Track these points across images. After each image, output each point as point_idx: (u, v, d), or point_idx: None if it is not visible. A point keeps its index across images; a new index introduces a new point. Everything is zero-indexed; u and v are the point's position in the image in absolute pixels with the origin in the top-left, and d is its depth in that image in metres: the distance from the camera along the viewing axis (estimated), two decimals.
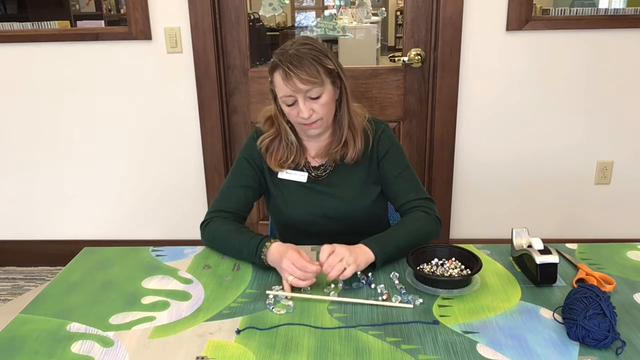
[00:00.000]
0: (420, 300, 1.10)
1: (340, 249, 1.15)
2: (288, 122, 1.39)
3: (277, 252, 1.20)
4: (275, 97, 1.36)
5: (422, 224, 1.34)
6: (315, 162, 1.44)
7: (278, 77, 1.29)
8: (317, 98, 1.30)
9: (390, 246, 1.25)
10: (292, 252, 1.16)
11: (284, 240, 1.25)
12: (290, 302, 1.10)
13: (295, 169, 1.43)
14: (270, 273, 1.23)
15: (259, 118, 1.46)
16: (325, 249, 1.16)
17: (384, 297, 1.11)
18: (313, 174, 1.43)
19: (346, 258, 1.14)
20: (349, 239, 1.31)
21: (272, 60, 1.31)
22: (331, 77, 1.32)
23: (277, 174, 1.43)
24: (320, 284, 1.17)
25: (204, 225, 1.38)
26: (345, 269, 1.13)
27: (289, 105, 1.32)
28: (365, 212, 1.41)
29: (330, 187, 1.42)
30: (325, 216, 1.40)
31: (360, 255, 1.18)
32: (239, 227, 1.33)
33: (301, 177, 1.42)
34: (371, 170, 1.43)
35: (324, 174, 1.43)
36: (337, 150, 1.39)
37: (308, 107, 1.30)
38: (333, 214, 1.40)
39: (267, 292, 1.13)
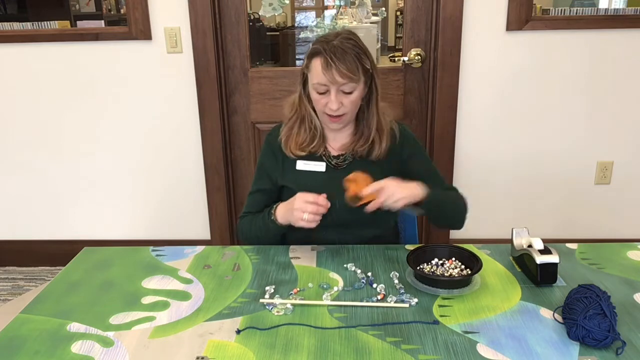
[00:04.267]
0: (416, 300, 1.10)
1: (391, 185, 1.25)
2: (313, 107, 1.42)
3: (284, 205, 1.34)
4: (304, 81, 1.39)
5: (460, 198, 1.45)
6: (335, 152, 1.45)
7: (317, 64, 1.30)
8: (349, 93, 1.33)
9: (438, 198, 1.35)
10: (302, 193, 1.26)
11: (298, 232, 1.30)
12: (289, 305, 1.10)
13: (313, 158, 1.43)
14: (270, 273, 1.24)
15: (287, 103, 1.47)
16: (376, 184, 1.25)
17: (379, 297, 1.11)
18: (333, 163, 1.44)
19: (398, 191, 1.24)
20: (361, 230, 1.33)
21: (314, 46, 1.33)
22: (366, 76, 1.34)
23: (295, 166, 1.43)
24: (318, 287, 1.17)
25: (237, 230, 1.49)
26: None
27: (319, 93, 1.34)
28: None
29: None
30: (341, 204, 1.40)
31: (412, 188, 1.27)
32: (257, 215, 1.43)
33: (319, 167, 1.44)
34: (392, 167, 1.44)
35: (343, 163, 1.44)
36: (363, 148, 1.42)
37: (338, 99, 1.33)
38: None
39: (261, 300, 1.12)
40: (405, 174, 1.45)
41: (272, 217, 1.36)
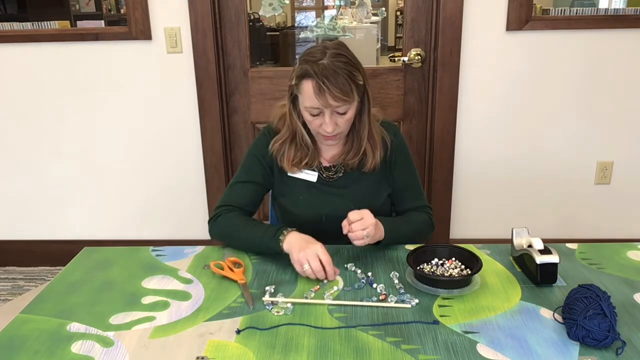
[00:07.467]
0: (417, 301, 1.10)
1: (368, 220, 1.21)
2: (303, 123, 1.37)
3: (299, 237, 1.23)
4: (293, 97, 1.34)
5: (424, 225, 1.43)
6: (326, 163, 1.43)
7: (309, 87, 1.24)
8: (343, 114, 1.29)
9: (398, 236, 1.33)
10: (322, 247, 1.19)
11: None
12: (289, 304, 1.10)
13: (307, 167, 1.41)
14: (270, 273, 1.24)
15: (274, 113, 1.43)
16: (355, 213, 1.22)
17: (381, 297, 1.11)
18: (324, 175, 1.42)
19: (369, 230, 1.21)
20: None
21: (302, 66, 1.26)
22: (359, 92, 1.30)
23: (287, 172, 1.42)
24: (318, 287, 1.17)
25: (212, 221, 1.39)
26: (363, 238, 1.20)
27: (313, 115, 1.30)
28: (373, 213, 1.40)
29: (341, 189, 1.42)
30: (332, 216, 1.37)
31: (377, 233, 1.25)
32: (252, 220, 1.36)
33: (311, 176, 1.41)
34: (383, 173, 1.43)
35: (335, 175, 1.42)
36: (354, 160, 1.39)
37: (333, 121, 1.28)
38: (341, 215, 1.32)
39: (264, 299, 1.12)
40: (389, 181, 1.45)
41: (280, 243, 1.23)
